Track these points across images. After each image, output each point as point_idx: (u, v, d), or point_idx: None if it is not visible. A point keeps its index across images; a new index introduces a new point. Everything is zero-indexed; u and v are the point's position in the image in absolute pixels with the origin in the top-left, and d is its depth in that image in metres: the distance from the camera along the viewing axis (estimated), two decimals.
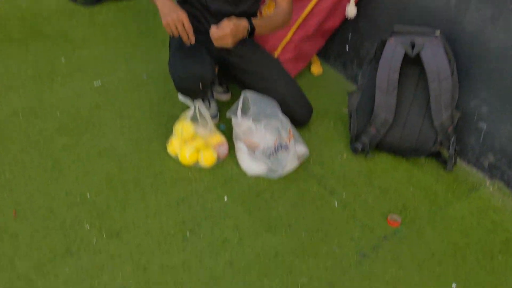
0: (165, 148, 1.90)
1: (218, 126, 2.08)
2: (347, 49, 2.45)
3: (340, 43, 2.48)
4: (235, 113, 1.89)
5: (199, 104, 1.82)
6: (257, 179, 1.83)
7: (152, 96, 2.21)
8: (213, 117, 2.07)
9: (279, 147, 1.86)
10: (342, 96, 2.30)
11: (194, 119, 1.87)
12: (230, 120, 1.88)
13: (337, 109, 2.25)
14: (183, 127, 1.82)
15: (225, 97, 2.27)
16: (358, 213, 1.73)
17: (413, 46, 1.87)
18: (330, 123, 2.16)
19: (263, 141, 1.87)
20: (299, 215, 1.69)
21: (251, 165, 1.85)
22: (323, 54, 2.59)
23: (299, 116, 2.05)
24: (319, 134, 2.09)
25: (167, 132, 1.98)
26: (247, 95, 1.92)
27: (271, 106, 1.90)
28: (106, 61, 2.43)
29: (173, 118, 2.07)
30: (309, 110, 2.09)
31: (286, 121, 1.86)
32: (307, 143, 1.98)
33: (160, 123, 2.05)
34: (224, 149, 1.90)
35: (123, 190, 1.72)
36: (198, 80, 1.76)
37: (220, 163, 1.88)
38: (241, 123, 1.88)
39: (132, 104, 2.15)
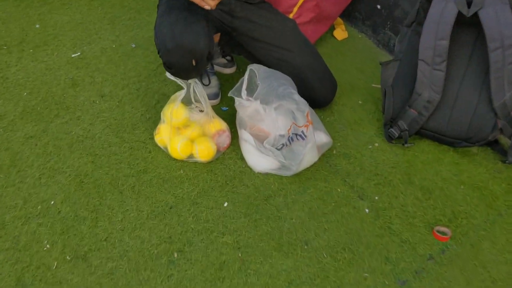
0: (152, 137, 1.53)
1: (219, 109, 1.69)
2: (379, 8, 2.00)
3: (369, 1, 2.03)
4: (239, 93, 1.51)
5: (193, 83, 1.43)
6: (266, 178, 1.45)
7: (141, 70, 1.82)
8: (212, 97, 1.68)
9: (294, 137, 1.48)
10: (373, 67, 1.89)
11: (187, 101, 1.49)
12: (233, 102, 1.50)
13: (367, 84, 1.84)
14: (173, 112, 1.44)
15: (229, 70, 1.87)
16: (395, 224, 1.35)
17: (469, 3, 1.43)
18: (357, 102, 1.75)
19: (274, 128, 1.48)
20: (319, 227, 1.32)
21: (259, 159, 1.47)
22: (349, 15, 2.15)
23: (320, 94, 1.65)
24: (344, 117, 1.69)
25: (156, 117, 1.61)
26: (254, 70, 1.52)
27: (285, 84, 1.50)
28: (89, 28, 2.04)
29: (165, 98, 1.70)
30: (333, 86, 1.69)
31: (303, 103, 1.46)
32: (329, 129, 1.59)
33: (148, 105, 1.67)
34: (225, 138, 1.52)
35: (96, 194, 1.36)
36: (191, 56, 1.35)
37: (220, 157, 1.50)
38: (246, 106, 1.49)
39: (116, 80, 1.77)
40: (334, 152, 1.55)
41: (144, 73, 1.81)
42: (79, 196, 1.35)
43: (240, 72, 1.85)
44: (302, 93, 1.56)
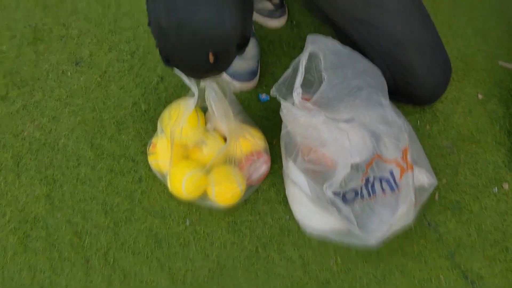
0: (145, 150, 0.96)
1: (255, 98, 1.07)
2: None
3: None
4: (289, 90, 0.89)
5: (208, 88, 0.81)
6: (323, 245, 0.89)
7: (139, 16, 1.19)
8: (247, 77, 1.06)
9: (378, 184, 0.87)
10: (504, 28, 1.18)
11: (201, 102, 0.89)
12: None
13: (492, 61, 1.14)
14: (177, 131, 0.85)
15: (276, 22, 1.19)
16: None
17: None
18: (475, 95, 1.09)
19: (344, 158, 0.87)
20: None
21: (313, 215, 0.90)
22: None
23: (424, 86, 1.00)
24: (453, 124, 1.04)
25: (156, 108, 1.03)
26: (318, 50, 0.88)
27: (369, 83, 0.87)
28: None
29: (173, 73, 1.09)
30: (446, 72, 1.02)
31: (399, 125, 0.84)
32: (429, 149, 0.98)
33: (146, 84, 1.07)
34: (261, 166, 0.93)
35: (48, 264, 0.84)
36: (205, 46, 0.71)
37: (250, 197, 0.93)
38: (299, 116, 0.88)
39: (101, 35, 1.15)
40: (436, 197, 0.95)
41: (145, 21, 1.17)
42: (19, 267, 0.84)
43: (294, 27, 1.18)
44: (394, 85, 0.95)
